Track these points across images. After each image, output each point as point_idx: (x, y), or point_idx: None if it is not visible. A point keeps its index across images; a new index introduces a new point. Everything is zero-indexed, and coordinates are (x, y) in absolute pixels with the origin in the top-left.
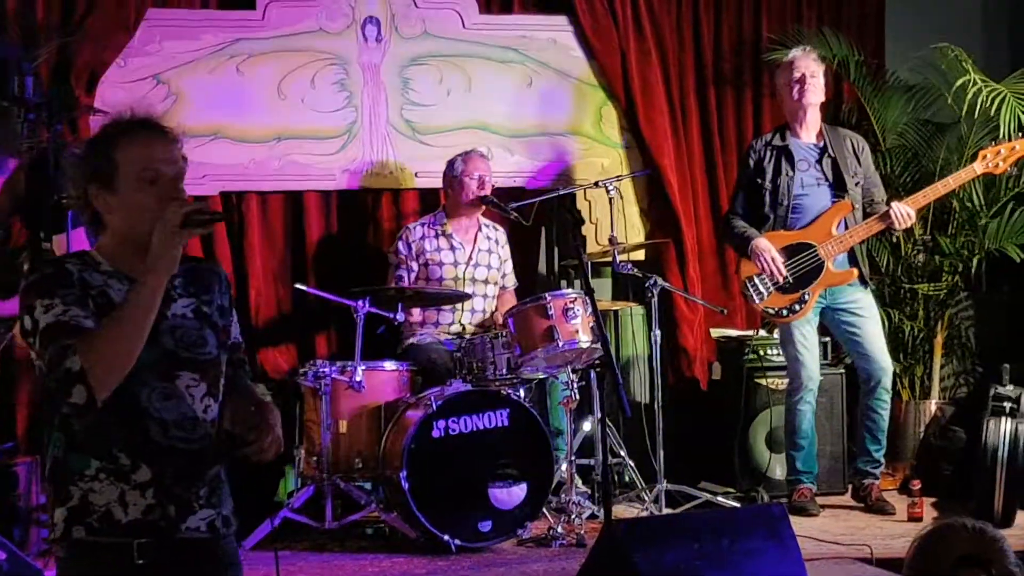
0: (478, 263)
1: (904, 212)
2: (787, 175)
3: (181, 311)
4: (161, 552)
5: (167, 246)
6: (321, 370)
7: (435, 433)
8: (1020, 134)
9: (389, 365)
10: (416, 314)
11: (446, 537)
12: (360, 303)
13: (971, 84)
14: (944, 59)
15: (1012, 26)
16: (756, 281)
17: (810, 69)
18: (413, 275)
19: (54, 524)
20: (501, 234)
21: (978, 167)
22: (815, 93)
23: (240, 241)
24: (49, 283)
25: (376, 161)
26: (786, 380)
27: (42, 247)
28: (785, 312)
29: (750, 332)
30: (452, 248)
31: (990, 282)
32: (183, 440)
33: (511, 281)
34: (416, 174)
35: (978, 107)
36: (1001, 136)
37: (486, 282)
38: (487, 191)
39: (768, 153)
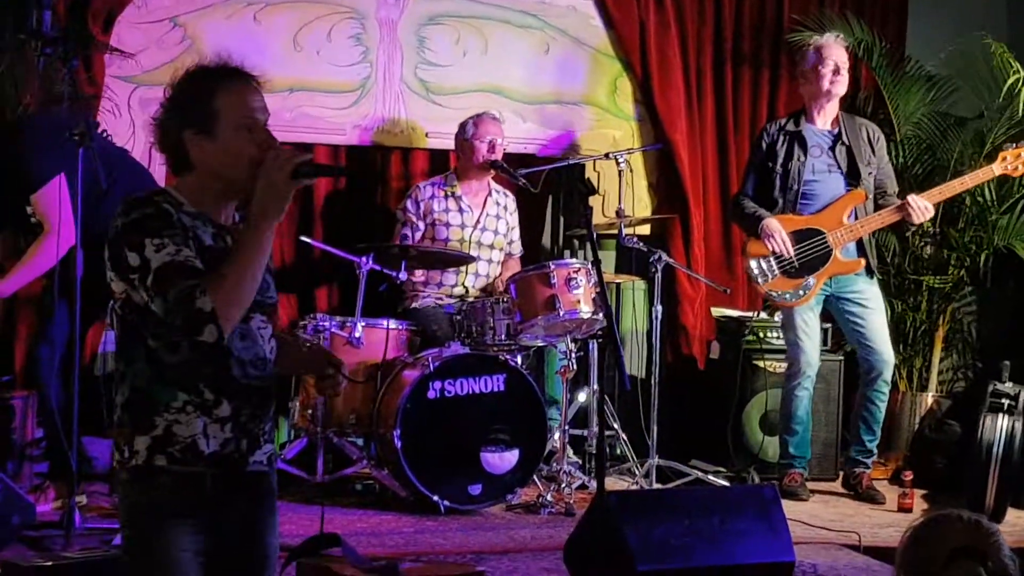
0: (485, 227)
1: (922, 205)
2: (799, 160)
3: None
4: (229, 483)
5: (279, 195)
6: (321, 324)
7: (431, 394)
8: None
9: (389, 324)
10: (419, 274)
11: (436, 498)
12: (364, 259)
13: (1020, 81)
14: (984, 56)
15: None
16: (762, 262)
17: (842, 59)
18: (419, 234)
19: (133, 452)
20: (511, 200)
21: (996, 168)
22: (843, 85)
23: None
24: (156, 222)
25: (388, 118)
26: (784, 364)
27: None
28: (788, 296)
29: (751, 313)
30: (460, 210)
31: (996, 278)
32: (257, 378)
33: (517, 248)
34: (427, 134)
35: (1021, 102)
36: None
37: (492, 247)
38: (498, 155)
39: (781, 137)
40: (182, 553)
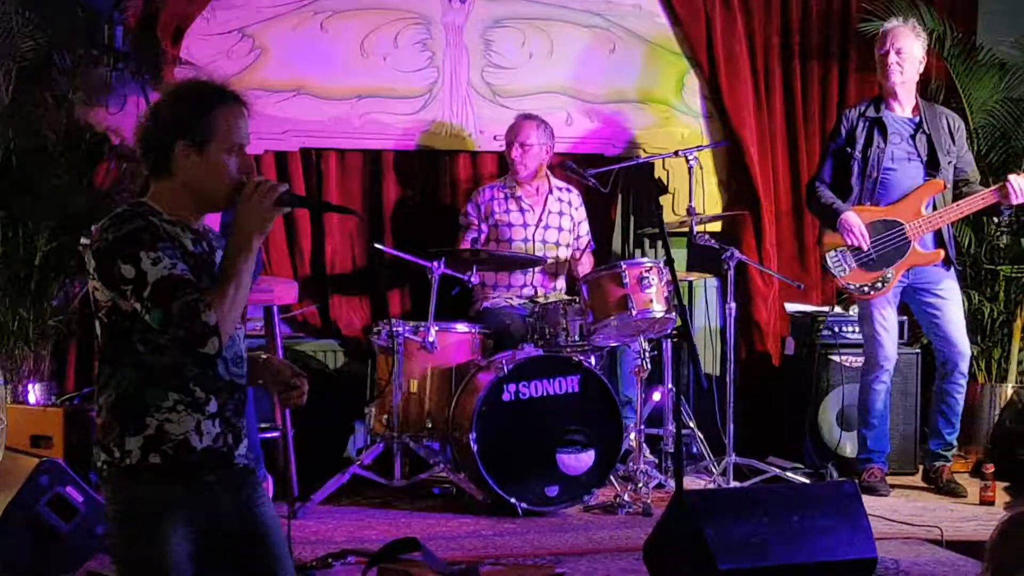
0: (548, 224)
1: (1021, 185)
2: (878, 147)
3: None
4: (219, 475)
5: (264, 219)
6: (395, 329)
7: (505, 396)
8: None
9: (462, 327)
10: (489, 276)
11: (513, 500)
12: (435, 264)
13: None
14: None
15: None
16: (840, 254)
17: (898, 44)
18: (483, 236)
19: (124, 452)
20: (575, 195)
21: None
22: (899, 71)
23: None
24: (149, 235)
25: (456, 122)
26: (861, 358)
27: None
28: (867, 289)
29: (825, 308)
30: (521, 210)
31: None
32: (238, 376)
33: (586, 242)
34: (495, 137)
35: None
36: None
37: (557, 244)
38: (533, 159)
39: (861, 123)
40: (177, 546)
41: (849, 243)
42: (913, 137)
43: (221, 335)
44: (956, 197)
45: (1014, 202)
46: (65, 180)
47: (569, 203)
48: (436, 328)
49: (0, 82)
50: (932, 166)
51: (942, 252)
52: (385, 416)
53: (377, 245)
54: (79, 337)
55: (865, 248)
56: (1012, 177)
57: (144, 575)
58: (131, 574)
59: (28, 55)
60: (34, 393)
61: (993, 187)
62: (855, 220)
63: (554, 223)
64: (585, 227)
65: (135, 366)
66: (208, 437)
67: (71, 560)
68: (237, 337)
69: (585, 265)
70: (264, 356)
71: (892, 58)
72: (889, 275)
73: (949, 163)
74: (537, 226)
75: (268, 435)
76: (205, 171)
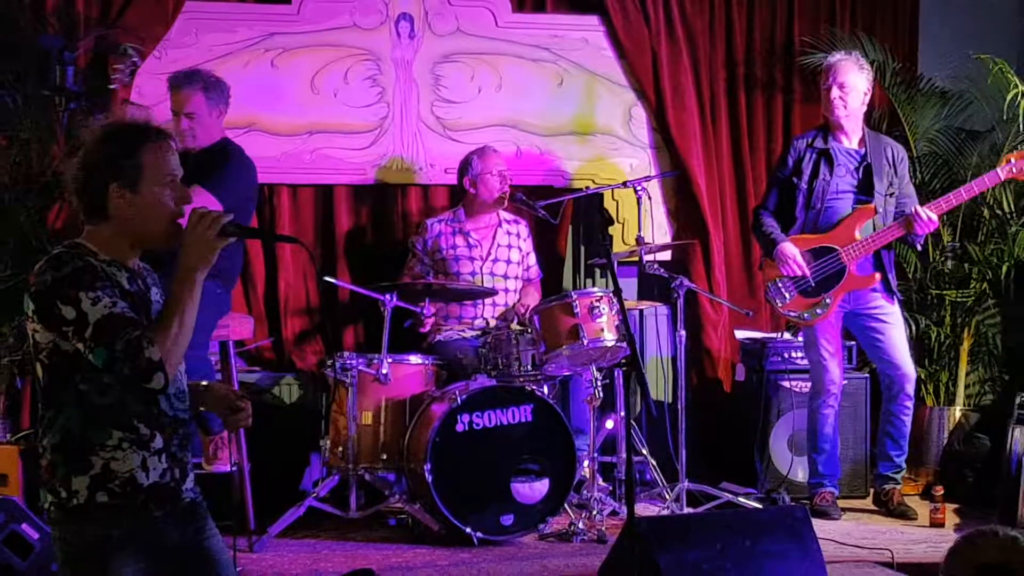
0: (497, 258)
1: (925, 215)
2: (824, 179)
3: (158, 299)
4: (167, 511)
5: (208, 249)
6: (348, 362)
7: (459, 427)
8: None
9: (415, 359)
10: (440, 308)
11: (468, 530)
12: (388, 297)
13: (1020, 95)
14: (987, 72)
15: None
16: (779, 284)
17: (841, 78)
18: (427, 270)
19: (71, 492)
20: (523, 227)
21: (1001, 172)
22: (843, 106)
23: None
24: (88, 276)
25: (406, 156)
26: (809, 383)
27: None
28: (807, 316)
29: (774, 334)
30: (469, 246)
31: (1018, 290)
32: (182, 411)
33: (535, 272)
34: (445, 170)
35: (1021, 116)
36: None
37: (506, 276)
38: (508, 185)
39: (808, 153)
40: None
41: (785, 273)
42: (858, 169)
43: (166, 370)
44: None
45: (919, 231)
46: (18, 220)
47: (517, 235)
48: (389, 360)
49: None
50: (866, 192)
51: (878, 275)
52: (340, 448)
53: (328, 278)
54: (34, 376)
55: (805, 279)
56: (917, 208)
57: None
58: None
59: None
60: None
61: (901, 219)
62: (791, 251)
63: (503, 256)
64: (533, 258)
65: (78, 406)
66: (155, 473)
67: None
68: (179, 373)
69: (533, 296)
70: (204, 384)
71: (835, 92)
72: (828, 300)
73: (891, 194)
74: (485, 260)
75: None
76: (142, 209)
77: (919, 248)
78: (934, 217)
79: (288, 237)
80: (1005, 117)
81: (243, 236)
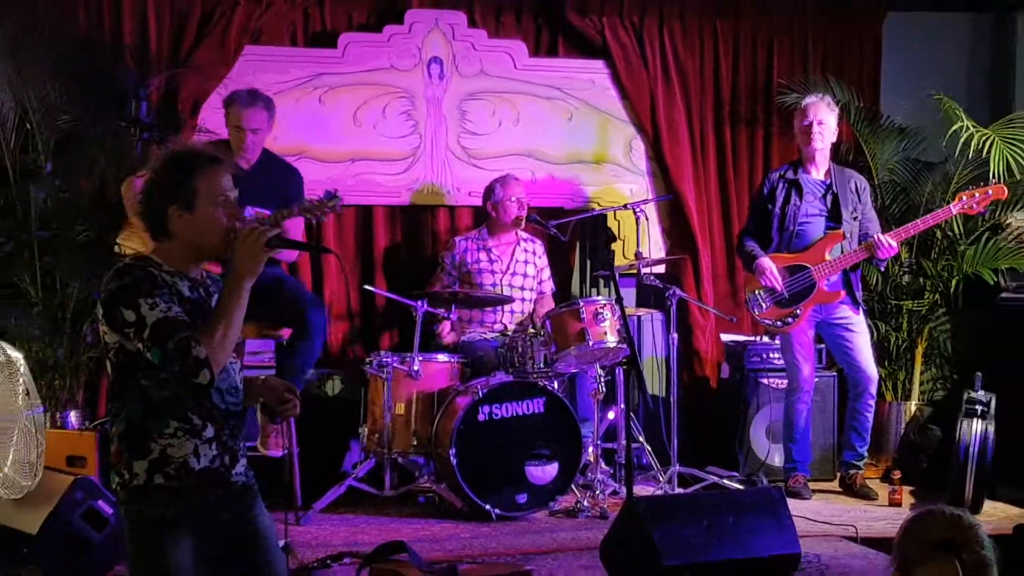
0: (515, 272)
1: (885, 243)
2: (795, 204)
3: None
4: (217, 493)
5: (256, 260)
6: (384, 360)
7: (480, 417)
8: (995, 180)
9: (442, 357)
10: (464, 313)
11: (488, 507)
12: (419, 303)
13: (964, 130)
14: (940, 109)
15: (992, 77)
16: (757, 295)
17: (819, 116)
18: (453, 281)
19: (132, 474)
20: (539, 246)
21: (954, 208)
22: (821, 139)
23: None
24: (147, 284)
25: (436, 181)
26: (785, 381)
27: None
28: (780, 324)
29: (755, 338)
30: (491, 260)
31: (966, 300)
32: (233, 404)
33: (548, 287)
34: (470, 193)
35: (971, 149)
36: (991, 175)
37: (522, 288)
38: (525, 210)
39: (781, 184)
40: (181, 558)
41: (764, 285)
42: (824, 197)
43: (212, 367)
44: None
45: (881, 256)
46: (93, 237)
47: (534, 252)
48: (420, 359)
49: (41, 150)
50: (835, 219)
51: (843, 293)
52: (376, 435)
53: (367, 287)
54: (105, 372)
55: (779, 289)
56: (877, 235)
57: None
58: None
59: (65, 127)
60: (70, 419)
61: (864, 244)
62: (768, 265)
63: (520, 270)
64: (547, 273)
65: (140, 399)
66: (205, 459)
67: (102, 566)
68: (232, 370)
69: (547, 306)
70: (261, 378)
71: (815, 128)
72: (798, 311)
73: (854, 218)
74: (505, 273)
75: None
76: (198, 226)
77: (882, 269)
78: (894, 244)
79: (323, 248)
80: (956, 152)
81: (286, 247)
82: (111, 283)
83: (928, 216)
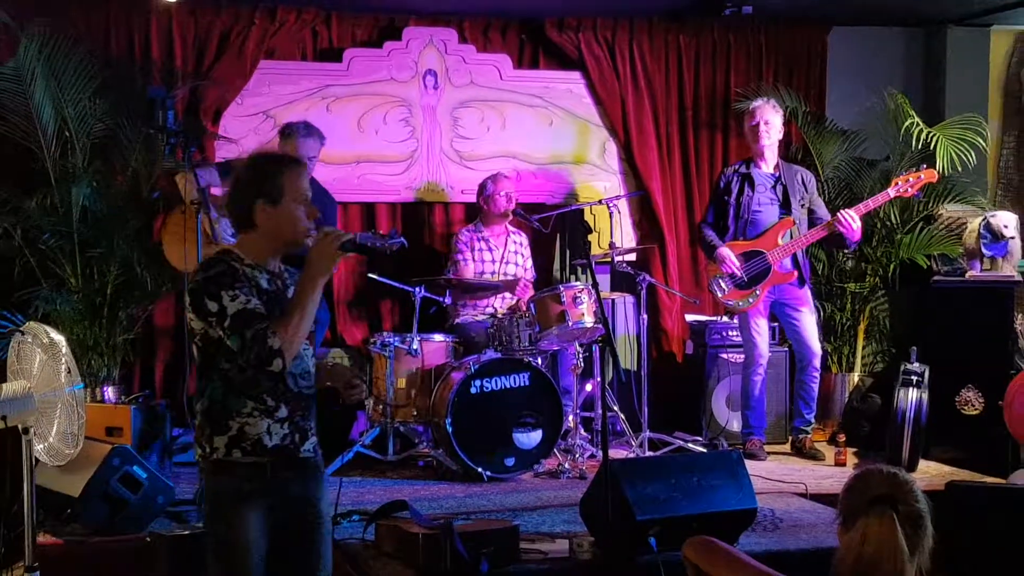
0: (508, 260)
1: (849, 214)
2: (747, 195)
3: None
4: (287, 467)
5: (330, 261)
6: (386, 340)
7: (473, 390)
8: (924, 165)
9: (438, 337)
10: (458, 297)
11: (480, 469)
12: (417, 289)
13: (914, 126)
14: (887, 109)
15: (925, 84)
16: (719, 279)
17: (765, 117)
18: (469, 266)
19: (213, 448)
20: (524, 239)
21: (892, 191)
22: (768, 136)
23: None
24: (229, 278)
25: (432, 180)
26: (742, 355)
27: None
28: (740, 304)
29: (715, 317)
30: (489, 249)
31: (903, 283)
32: (305, 387)
33: (531, 275)
34: (463, 191)
35: (919, 143)
36: (938, 168)
37: (514, 276)
38: (513, 204)
39: (735, 178)
40: (252, 525)
41: (724, 272)
42: (774, 187)
43: (284, 356)
44: (812, 228)
45: (843, 229)
46: (130, 228)
47: (521, 244)
48: (419, 338)
49: (78, 154)
50: (785, 208)
51: (795, 273)
52: (380, 406)
53: (371, 275)
54: (142, 350)
55: (739, 274)
56: (840, 212)
57: (227, 548)
58: (218, 546)
59: (99, 134)
60: (108, 394)
61: (825, 222)
62: (727, 253)
63: (511, 259)
64: (530, 263)
65: (221, 380)
66: (277, 437)
67: (137, 524)
68: (305, 356)
69: (529, 294)
70: (332, 362)
71: (762, 127)
72: (757, 292)
73: (802, 206)
74: (500, 262)
75: None
76: (281, 220)
77: (850, 248)
78: (856, 216)
79: (387, 247)
80: (901, 145)
81: (357, 252)
82: (198, 275)
83: (869, 200)
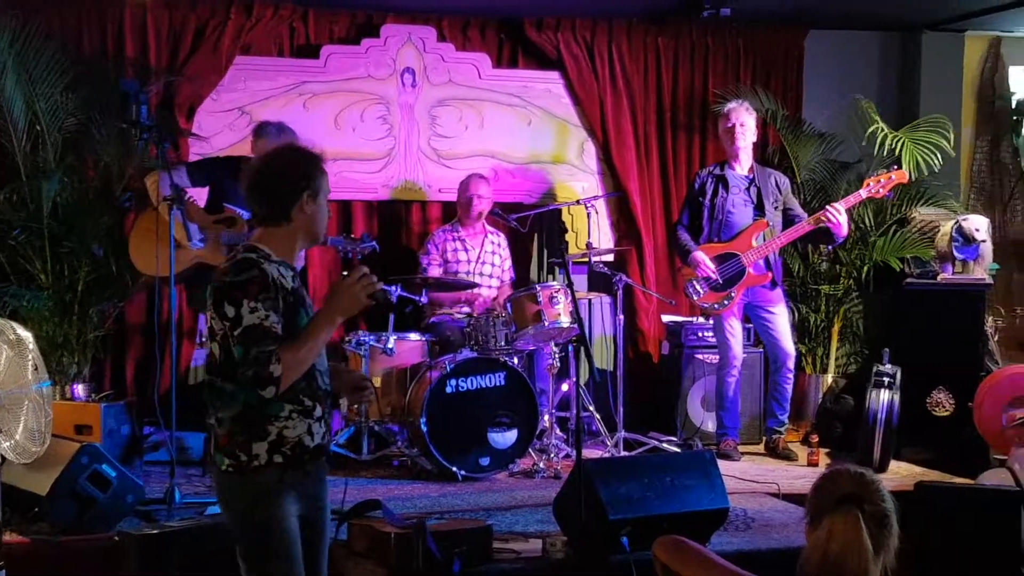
0: (484, 260)
1: (835, 208)
2: (722, 197)
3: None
4: (319, 463)
5: (357, 306)
6: (362, 338)
7: (448, 389)
8: (895, 167)
9: (414, 336)
10: (435, 296)
11: (454, 468)
12: (393, 288)
13: (879, 131)
14: (856, 110)
15: (900, 87)
16: (695, 283)
17: (740, 119)
18: (440, 268)
19: (252, 455)
20: (502, 239)
21: (864, 192)
22: (743, 138)
23: None
24: (256, 287)
25: (409, 179)
26: (717, 357)
27: None
28: (716, 306)
29: (691, 318)
30: (465, 249)
31: (876, 285)
32: (329, 385)
33: (509, 276)
34: (439, 190)
35: (885, 148)
36: (906, 169)
37: (490, 276)
38: (484, 206)
39: (710, 179)
40: (292, 518)
41: (700, 275)
42: (748, 189)
43: (280, 386)
44: (787, 228)
45: (832, 222)
46: (102, 224)
47: (499, 244)
48: (394, 337)
49: (49, 149)
50: (759, 210)
51: (770, 274)
52: (355, 405)
53: (346, 273)
54: (113, 348)
55: (714, 278)
56: (827, 207)
57: (273, 544)
58: (261, 547)
59: (71, 128)
60: (78, 391)
61: (811, 217)
62: (702, 257)
63: (488, 259)
64: (509, 263)
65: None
66: (318, 436)
67: (106, 523)
68: (323, 353)
69: (506, 294)
70: (342, 367)
71: (737, 130)
72: (732, 294)
73: (775, 208)
74: (476, 261)
75: None
76: (317, 216)
77: (837, 243)
78: (841, 208)
79: (408, 301)
80: (869, 149)
81: (383, 301)
82: (227, 275)
83: (842, 201)
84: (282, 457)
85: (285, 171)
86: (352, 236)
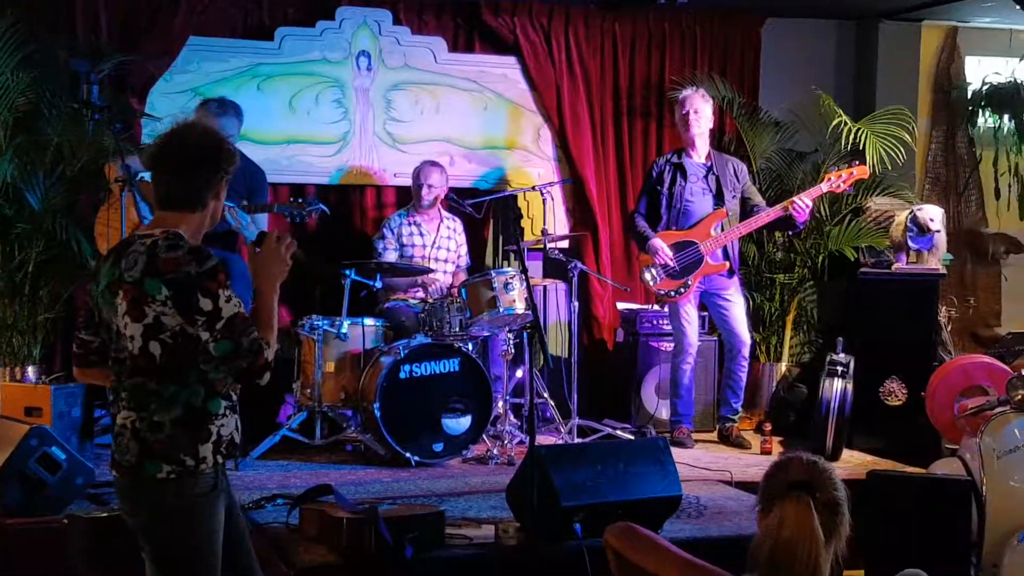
0: (440, 245)
1: (804, 199)
2: (680, 185)
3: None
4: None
5: (285, 267)
6: (315, 322)
7: (402, 375)
8: (856, 162)
9: (368, 321)
10: (389, 281)
11: (408, 454)
12: (348, 272)
13: (843, 124)
14: (814, 105)
15: (857, 76)
16: (652, 270)
17: (695, 106)
18: (396, 254)
19: (200, 458)
20: (458, 224)
21: (824, 186)
22: (698, 126)
23: None
24: (221, 274)
25: (364, 163)
26: (672, 344)
27: None
28: (673, 293)
29: (646, 306)
30: (420, 234)
31: (831, 274)
32: None
33: (464, 262)
34: (395, 175)
35: (848, 142)
36: (869, 164)
37: (445, 261)
38: (434, 193)
39: (667, 168)
40: (221, 532)
41: (657, 263)
42: (706, 177)
43: (271, 370)
44: (745, 216)
45: (798, 214)
46: (54, 204)
47: (455, 230)
48: (348, 322)
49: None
50: (718, 198)
51: (727, 263)
52: (308, 390)
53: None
54: (64, 330)
55: (672, 265)
56: (795, 198)
57: (199, 556)
58: (188, 558)
59: (22, 108)
60: (28, 374)
61: (778, 205)
62: (660, 244)
63: (444, 244)
64: (464, 249)
65: (201, 383)
66: (239, 432)
67: (55, 506)
68: None
69: (462, 279)
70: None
71: (692, 117)
72: (689, 282)
73: (733, 197)
74: (431, 246)
75: None
76: (218, 204)
77: (798, 230)
78: (808, 200)
79: (329, 267)
80: (830, 140)
81: (303, 262)
82: (188, 265)
83: (806, 193)
84: (222, 457)
85: (203, 156)
86: (299, 200)
